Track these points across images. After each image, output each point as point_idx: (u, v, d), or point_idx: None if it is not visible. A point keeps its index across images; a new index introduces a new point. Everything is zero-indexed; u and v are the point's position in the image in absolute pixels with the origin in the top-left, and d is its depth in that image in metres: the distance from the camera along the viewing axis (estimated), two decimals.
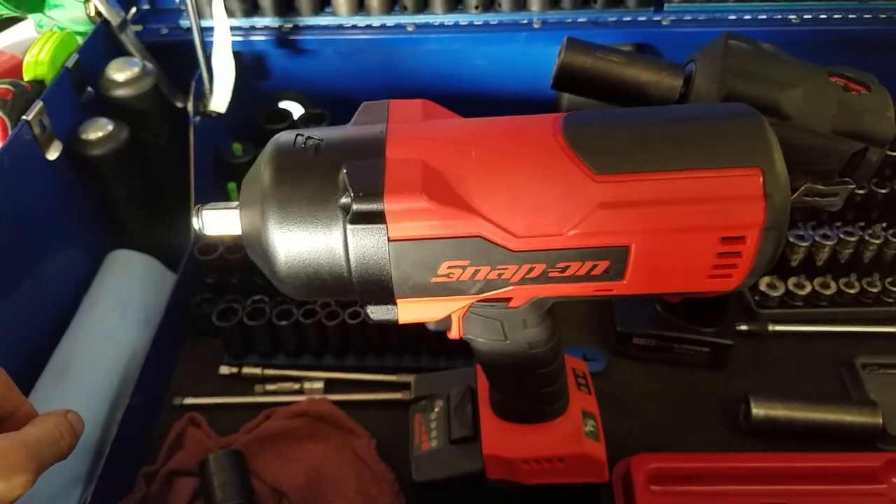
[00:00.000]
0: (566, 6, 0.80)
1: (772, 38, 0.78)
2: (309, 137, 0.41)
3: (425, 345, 0.70)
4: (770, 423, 0.62)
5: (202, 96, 0.77)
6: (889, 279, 0.71)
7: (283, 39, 0.82)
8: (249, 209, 0.41)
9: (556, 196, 0.39)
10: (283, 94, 0.89)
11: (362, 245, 0.39)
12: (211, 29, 0.79)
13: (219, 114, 0.78)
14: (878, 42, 0.80)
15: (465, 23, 0.80)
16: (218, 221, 0.43)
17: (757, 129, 0.39)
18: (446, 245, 0.39)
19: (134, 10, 0.83)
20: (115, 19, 0.76)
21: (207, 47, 0.76)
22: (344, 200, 0.39)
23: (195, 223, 0.43)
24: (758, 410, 0.62)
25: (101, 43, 0.76)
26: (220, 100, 0.77)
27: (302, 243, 0.40)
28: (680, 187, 0.38)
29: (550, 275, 0.41)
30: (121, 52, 0.78)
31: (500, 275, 0.41)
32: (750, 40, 0.54)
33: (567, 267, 0.40)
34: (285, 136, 0.42)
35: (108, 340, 0.67)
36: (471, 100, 0.85)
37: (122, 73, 0.73)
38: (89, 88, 0.74)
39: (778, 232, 0.39)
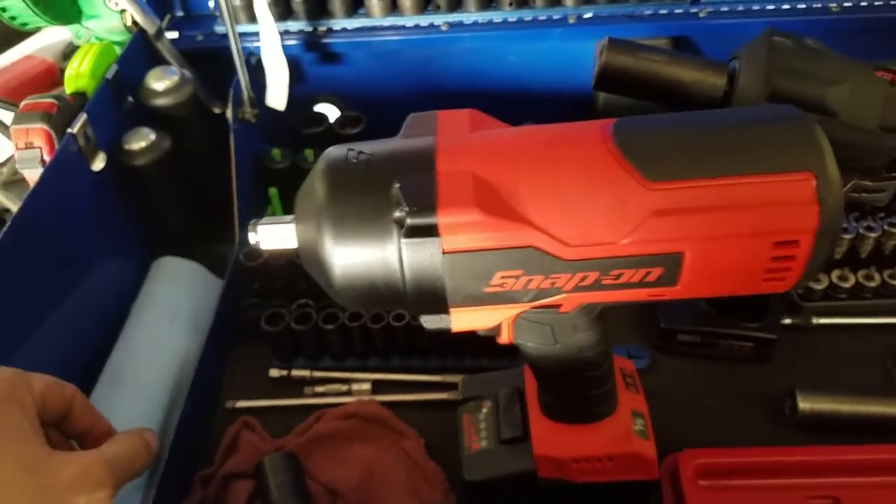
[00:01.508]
0: (601, 1, 0.79)
1: (811, 27, 0.78)
2: (360, 152, 0.42)
3: (469, 345, 0.70)
4: (816, 416, 0.62)
5: (241, 102, 0.78)
6: None
7: (316, 43, 0.83)
8: (305, 223, 0.42)
9: (608, 204, 0.39)
10: (319, 97, 0.89)
11: (417, 258, 0.40)
12: (247, 34, 0.80)
13: (275, 111, 0.80)
14: None
15: (498, 20, 0.80)
16: (274, 236, 0.44)
17: (808, 133, 0.39)
18: (499, 256, 0.40)
19: (168, 17, 0.84)
20: (150, 28, 0.77)
21: (244, 52, 0.77)
22: (398, 214, 0.39)
23: (251, 238, 0.44)
24: (804, 404, 0.62)
25: (139, 52, 0.78)
26: (276, 98, 0.79)
27: (357, 257, 0.41)
28: (733, 193, 0.39)
29: (604, 282, 0.41)
30: (158, 60, 0.79)
31: (552, 283, 0.41)
32: (793, 35, 0.54)
33: (620, 274, 0.40)
34: (336, 151, 0.43)
35: (159, 348, 0.69)
36: (505, 97, 0.85)
37: (161, 82, 0.74)
38: (130, 98, 0.75)
39: (831, 235, 0.39)
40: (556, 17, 0.80)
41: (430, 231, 0.39)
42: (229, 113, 0.77)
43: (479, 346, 0.70)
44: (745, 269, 0.40)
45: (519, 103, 0.84)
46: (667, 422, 0.59)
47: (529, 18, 0.80)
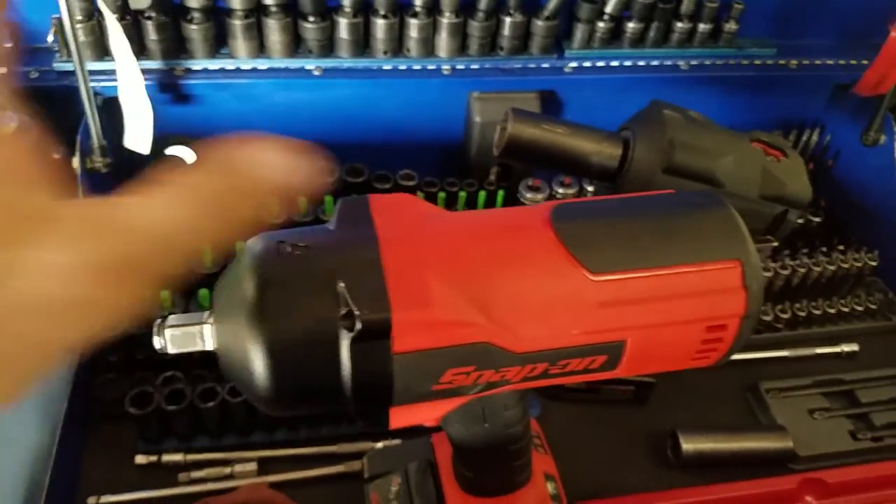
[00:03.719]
0: (473, 53, 0.80)
1: (662, 82, 0.85)
2: (294, 245, 0.39)
3: None
4: (698, 456, 0.67)
5: (90, 150, 0.69)
6: (778, 307, 0.79)
7: (172, 83, 0.76)
8: (229, 324, 0.38)
9: (558, 297, 0.39)
10: (172, 139, 0.81)
11: (364, 360, 0.37)
12: (94, 72, 0.71)
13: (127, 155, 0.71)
14: (753, 84, 0.89)
15: (374, 67, 0.78)
16: (185, 339, 0.39)
17: (733, 222, 0.42)
18: (451, 353, 0.38)
19: None
20: None
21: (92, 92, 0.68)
22: (345, 316, 0.36)
23: (156, 342, 0.39)
24: (687, 445, 0.67)
25: None
26: (139, 139, 0.70)
27: (294, 361, 0.37)
28: (671, 283, 0.40)
29: (551, 372, 0.41)
30: None
31: (503, 376, 0.40)
32: (679, 108, 0.58)
33: (567, 364, 0.41)
34: (264, 243, 0.39)
35: (2, 445, 0.58)
36: (380, 144, 0.83)
37: None
38: None
39: (755, 318, 0.42)
40: (430, 66, 0.79)
41: (381, 333, 0.37)
42: (76, 163, 0.68)
43: None
44: (678, 351, 0.42)
45: (393, 151, 0.83)
46: (561, 469, 0.60)
47: (404, 67, 0.79)
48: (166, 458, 0.64)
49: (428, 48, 0.79)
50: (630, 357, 0.41)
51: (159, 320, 0.39)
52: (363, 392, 0.38)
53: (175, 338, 0.39)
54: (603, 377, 0.43)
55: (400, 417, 0.41)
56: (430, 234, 0.41)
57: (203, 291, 0.67)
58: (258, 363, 0.37)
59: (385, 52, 0.78)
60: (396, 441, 0.65)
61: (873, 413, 0.74)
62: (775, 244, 0.57)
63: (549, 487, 0.55)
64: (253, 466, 0.64)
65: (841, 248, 0.84)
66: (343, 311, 0.36)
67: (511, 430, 0.48)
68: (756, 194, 0.55)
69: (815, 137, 0.94)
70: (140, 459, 0.63)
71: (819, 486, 0.65)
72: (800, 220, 0.82)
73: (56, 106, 0.71)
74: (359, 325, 0.36)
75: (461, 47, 0.80)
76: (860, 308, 0.83)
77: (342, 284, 0.37)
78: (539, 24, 0.79)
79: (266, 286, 0.37)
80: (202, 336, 0.39)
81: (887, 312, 0.85)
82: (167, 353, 0.39)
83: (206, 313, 0.39)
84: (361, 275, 0.37)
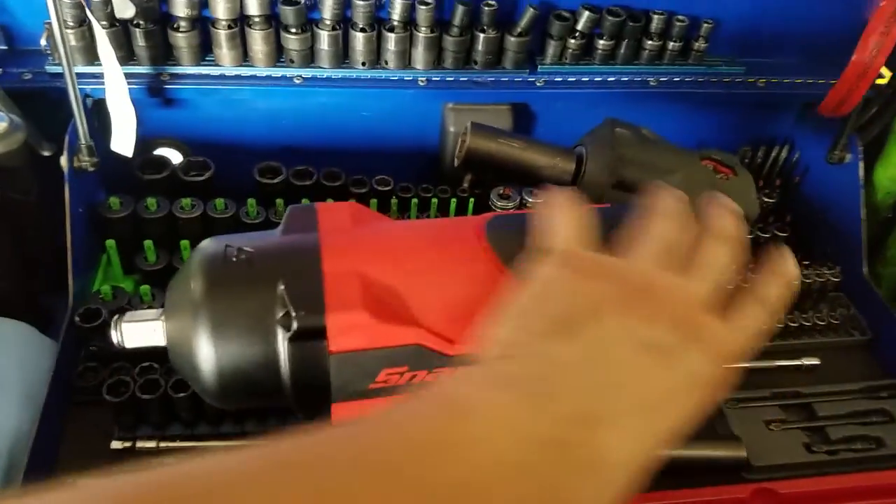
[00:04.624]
0: (448, 66, 0.83)
1: (632, 97, 0.88)
2: (240, 249, 0.42)
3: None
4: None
5: (77, 150, 0.73)
6: None
7: (159, 88, 0.79)
8: (178, 321, 0.41)
9: (485, 301, 0.42)
10: (160, 141, 0.85)
11: (301, 359, 0.40)
12: (82, 75, 0.75)
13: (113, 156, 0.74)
14: (722, 101, 0.92)
15: (353, 77, 0.82)
16: (139, 334, 0.42)
17: None
18: (385, 354, 0.41)
19: None
20: None
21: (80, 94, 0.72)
22: (284, 317, 0.40)
23: (113, 336, 0.42)
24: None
25: None
26: (123, 143, 0.74)
27: (237, 357, 0.40)
28: None
29: None
30: None
31: (436, 377, 0.43)
32: (632, 126, 0.60)
33: None
34: (213, 246, 0.42)
35: None
36: (358, 151, 0.87)
37: None
38: None
39: None
40: (407, 77, 0.83)
41: (317, 333, 0.40)
42: (63, 161, 0.71)
43: None
44: None
45: (371, 157, 0.86)
46: None
47: (382, 78, 0.82)
48: (140, 444, 0.67)
49: (405, 60, 0.82)
50: None
51: (116, 316, 0.43)
52: (302, 388, 0.41)
53: (130, 333, 0.42)
54: None
55: (342, 414, 0.44)
56: (370, 242, 0.44)
57: (110, 242, 0.69)
58: (203, 359, 0.40)
59: (363, 64, 0.81)
60: None
61: (830, 427, 0.74)
62: None
63: None
64: None
65: (806, 263, 0.87)
66: (281, 313, 0.40)
67: None
68: None
69: (783, 154, 0.97)
70: (115, 444, 0.67)
71: (771, 496, 0.65)
72: (749, 236, 0.85)
73: (49, 107, 0.75)
74: (295, 326, 0.39)
75: (437, 60, 0.83)
76: (822, 323, 0.84)
77: (282, 287, 0.40)
78: (512, 40, 0.82)
79: (211, 288, 0.40)
80: (155, 331, 0.42)
81: (849, 328, 0.85)
82: (124, 348, 0.43)
83: (160, 310, 0.43)
84: (301, 279, 0.41)
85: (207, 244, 0.42)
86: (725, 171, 0.63)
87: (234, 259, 0.41)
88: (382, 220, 0.47)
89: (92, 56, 0.76)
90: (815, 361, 0.81)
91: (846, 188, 0.90)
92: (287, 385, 0.41)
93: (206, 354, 0.40)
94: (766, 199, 0.93)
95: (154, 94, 0.80)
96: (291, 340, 0.39)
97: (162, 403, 0.67)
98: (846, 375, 0.81)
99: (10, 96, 0.74)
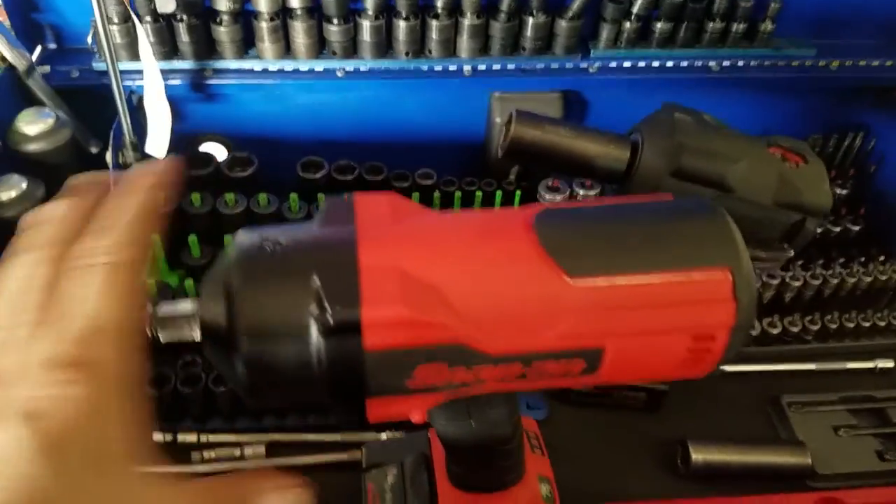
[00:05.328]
0: (495, 53, 0.80)
1: (693, 83, 0.83)
2: (276, 242, 0.40)
3: None
4: (707, 467, 0.66)
5: (122, 146, 0.73)
6: (808, 318, 0.76)
7: (202, 83, 0.79)
8: (213, 312, 0.39)
9: (532, 300, 0.39)
10: (204, 137, 0.85)
11: (336, 354, 0.38)
12: (128, 72, 0.75)
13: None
14: (791, 86, 0.86)
15: (395, 69, 0.80)
16: (175, 329, 0.41)
17: (724, 229, 0.40)
18: (424, 351, 0.39)
19: (39, 49, 0.77)
20: (21, 64, 0.70)
21: (125, 91, 0.72)
22: (318, 312, 0.38)
23: (147, 331, 0.41)
24: (697, 456, 0.65)
25: (7, 91, 0.71)
26: (157, 145, 0.74)
27: (271, 351, 0.39)
28: (654, 291, 0.39)
29: (526, 374, 0.41)
30: (28, 99, 0.72)
31: (476, 376, 0.41)
32: (692, 111, 0.56)
33: (543, 367, 0.41)
34: (249, 238, 0.41)
35: None
36: (401, 144, 0.85)
37: (33, 126, 0.67)
38: None
39: (746, 330, 0.41)
40: (451, 67, 0.80)
41: (352, 328, 0.38)
42: (109, 157, 0.72)
43: None
44: (662, 360, 0.42)
45: (414, 150, 0.84)
46: (565, 473, 0.60)
47: (426, 68, 0.80)
48: (181, 437, 0.67)
49: (449, 49, 0.79)
50: (610, 364, 0.41)
51: (150, 309, 0.41)
52: (336, 385, 0.39)
53: (165, 326, 0.41)
54: (586, 382, 0.43)
55: (377, 410, 0.42)
56: (409, 234, 0.41)
57: (154, 237, 0.69)
58: (237, 350, 0.38)
59: (407, 54, 0.79)
60: (399, 433, 0.66)
61: None
62: (791, 254, 0.55)
63: (543, 489, 0.55)
64: (262, 449, 0.66)
65: (881, 258, 0.81)
66: (316, 307, 0.38)
67: (498, 431, 0.48)
68: (770, 201, 0.54)
69: (857, 142, 0.91)
70: (156, 437, 0.66)
71: None
72: (819, 229, 0.80)
73: (96, 104, 0.75)
74: (330, 321, 0.37)
75: (483, 48, 0.80)
76: None
77: (318, 282, 0.38)
78: (563, 25, 0.78)
79: (247, 282, 0.38)
80: (191, 326, 0.41)
81: None
82: (159, 342, 0.42)
83: (195, 304, 0.41)
84: (337, 273, 0.38)
85: (244, 236, 0.41)
86: (795, 158, 0.58)
87: (270, 251, 0.39)
88: (423, 211, 0.44)
89: (136, 53, 0.76)
90: (889, 364, 0.77)
91: None
92: (320, 381, 0.39)
93: (241, 346, 0.38)
94: (839, 190, 0.88)
95: (198, 90, 0.79)
96: (325, 335, 0.37)
97: (203, 396, 0.66)
98: None
99: (59, 94, 0.75)
